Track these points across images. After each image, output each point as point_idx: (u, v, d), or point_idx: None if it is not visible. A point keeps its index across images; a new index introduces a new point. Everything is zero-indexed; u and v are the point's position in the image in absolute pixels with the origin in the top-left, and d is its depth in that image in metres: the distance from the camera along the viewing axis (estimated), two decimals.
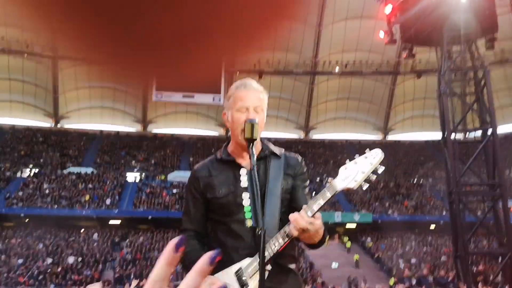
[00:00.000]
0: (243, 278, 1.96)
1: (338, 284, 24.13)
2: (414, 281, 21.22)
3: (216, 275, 2.01)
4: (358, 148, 41.62)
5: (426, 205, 35.89)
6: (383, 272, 30.08)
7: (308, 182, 2.22)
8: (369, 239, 34.27)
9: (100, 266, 27.71)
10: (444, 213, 33.16)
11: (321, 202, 1.89)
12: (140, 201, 33.14)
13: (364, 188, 1.89)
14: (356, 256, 31.14)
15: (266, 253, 1.92)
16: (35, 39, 36.51)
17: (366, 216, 33.59)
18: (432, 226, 34.44)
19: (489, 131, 20.72)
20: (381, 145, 42.47)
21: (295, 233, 1.90)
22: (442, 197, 35.14)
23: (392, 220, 33.79)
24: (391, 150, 39.78)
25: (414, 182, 39.14)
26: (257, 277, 1.90)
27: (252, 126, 2.00)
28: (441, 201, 35.63)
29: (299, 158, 2.23)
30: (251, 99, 2.09)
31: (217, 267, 2.01)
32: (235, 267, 1.99)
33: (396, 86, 43.16)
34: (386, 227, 33.21)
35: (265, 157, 2.13)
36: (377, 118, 45.41)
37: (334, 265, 29.82)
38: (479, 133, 21.96)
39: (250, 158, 2.00)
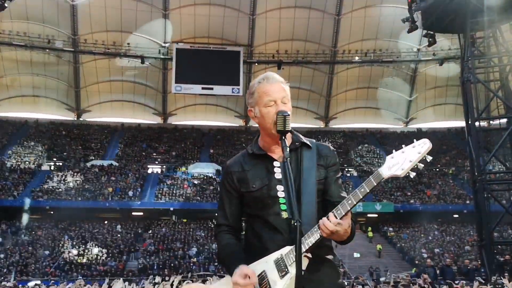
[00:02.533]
0: (283, 265, 1.98)
1: (361, 273, 24.04)
2: (437, 271, 20.96)
3: (254, 263, 2.03)
4: (378, 137, 42.90)
5: (449, 194, 35.54)
6: (405, 261, 29.94)
7: (340, 173, 2.21)
8: (391, 229, 34.12)
9: (124, 257, 28.18)
10: (467, 202, 32.87)
11: (365, 189, 1.90)
12: (162, 193, 33.40)
13: (412, 176, 1.89)
14: (378, 246, 31.07)
15: (305, 244, 1.95)
16: (56, 34, 37.12)
17: (387, 206, 33.45)
18: (456, 216, 34.10)
19: None
20: (403, 134, 42.80)
21: (324, 234, 1.92)
22: (465, 185, 35.06)
23: (414, 210, 33.60)
24: (413, 138, 39.03)
25: (437, 170, 38.64)
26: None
27: (285, 118, 2.02)
28: (463, 190, 35.30)
29: (331, 148, 2.23)
30: (276, 91, 2.09)
31: (255, 257, 1.97)
32: (274, 255, 2.01)
33: (417, 73, 42.55)
34: (408, 217, 33.15)
35: (296, 148, 2.14)
36: (398, 107, 44.91)
37: (356, 255, 29.75)
38: (504, 120, 21.55)
39: (282, 150, 2.03)
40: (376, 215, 33.87)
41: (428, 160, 1.87)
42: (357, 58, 39.68)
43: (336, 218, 1.91)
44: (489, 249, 19.25)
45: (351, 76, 42.41)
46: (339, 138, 42.96)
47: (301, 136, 2.19)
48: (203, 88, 36.76)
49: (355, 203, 1.89)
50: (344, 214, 1.90)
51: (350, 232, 1.97)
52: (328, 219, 1.90)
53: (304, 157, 2.12)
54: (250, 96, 2.15)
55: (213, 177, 35.24)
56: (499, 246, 22.22)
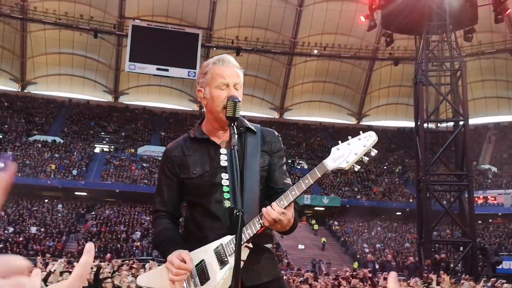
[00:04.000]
0: (224, 255, 1.96)
1: (304, 265, 24.50)
2: (377, 266, 21.66)
3: (193, 252, 2.00)
4: (331, 132, 43.75)
5: (394, 192, 36.60)
6: (348, 255, 30.71)
7: (285, 159, 2.20)
8: (336, 223, 34.83)
9: (64, 237, 27.45)
10: (411, 200, 33.92)
11: (308, 181, 1.86)
12: (108, 174, 32.88)
13: (356, 169, 1.88)
14: (323, 239, 31.69)
15: (246, 234, 1.91)
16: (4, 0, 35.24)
17: (335, 200, 34.13)
18: (399, 213, 35.23)
19: (461, 123, 21.09)
20: (354, 130, 41.62)
21: (267, 224, 1.88)
22: (409, 184, 36.22)
23: (360, 205, 34.43)
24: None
25: (384, 168, 39.79)
26: None
27: (235, 104, 2.00)
28: (408, 189, 36.44)
29: (275, 133, 2.21)
30: (231, 75, 2.07)
31: (193, 245, 1.93)
32: (214, 244, 1.98)
33: (373, 72, 43.46)
34: (354, 212, 33.82)
35: (240, 133, 2.11)
36: (352, 103, 45.79)
37: (301, 246, 30.30)
38: (451, 124, 22.36)
39: (230, 137, 2.01)
40: (323, 209, 34.46)
41: (373, 154, 1.85)
42: (315, 51, 40.03)
43: (279, 208, 1.87)
44: (427, 247, 20.02)
45: (308, 68, 42.75)
46: (293, 130, 43.41)
47: (245, 120, 2.17)
48: (158, 69, 36.10)
49: (298, 194, 1.86)
50: (287, 205, 1.87)
51: (293, 223, 1.93)
52: (272, 208, 1.87)
53: (248, 142, 2.10)
54: (202, 75, 2.11)
55: None
56: (436, 245, 23.14)
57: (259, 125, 2.20)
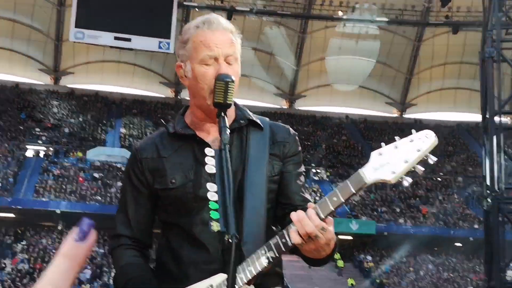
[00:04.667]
0: None
1: None
2: None
3: None
4: (363, 128, 43.70)
5: (452, 214, 36.61)
6: None
7: (303, 167, 2.23)
8: (369, 257, 34.80)
9: None
10: (476, 226, 33.95)
11: (338, 199, 1.85)
12: (45, 187, 33.00)
13: (406, 183, 1.84)
14: (350, 281, 31.53)
15: (247, 271, 1.92)
16: None
17: (367, 225, 34.21)
18: (459, 244, 35.20)
19: None
20: (396, 125, 43.33)
21: (297, 240, 1.86)
22: (474, 203, 35.85)
23: (404, 233, 34.36)
24: (409, 133, 39.83)
25: (438, 180, 39.76)
26: None
27: (226, 85, 2.01)
28: (471, 209, 36.39)
29: (291, 130, 2.24)
30: (220, 44, 2.07)
31: (170, 287, 1.97)
32: (200, 286, 1.98)
33: (422, 43, 43.48)
34: (394, 242, 33.67)
35: (240, 128, 2.16)
36: (393, 87, 45.87)
37: None
38: None
39: (220, 131, 2.00)
40: (350, 238, 34.51)
41: (432, 162, 1.83)
42: (340, 13, 40.09)
43: (319, 218, 1.85)
44: None
45: (328, 39, 42.57)
46: (307, 125, 43.37)
47: (248, 111, 2.21)
48: (116, 39, 36.16)
49: (322, 216, 1.84)
50: (323, 218, 1.87)
51: (332, 249, 1.94)
52: (309, 216, 1.85)
53: (252, 141, 2.13)
54: (182, 45, 2.13)
55: (123, 168, 34.32)
56: None
57: (267, 119, 2.24)
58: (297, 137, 2.24)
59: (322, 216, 1.83)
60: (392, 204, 37.16)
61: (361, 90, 45.69)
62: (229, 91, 2.00)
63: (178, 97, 43.80)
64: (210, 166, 2.08)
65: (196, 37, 2.08)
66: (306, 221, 1.82)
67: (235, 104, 2.17)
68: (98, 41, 36.63)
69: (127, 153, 35.85)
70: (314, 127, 43.87)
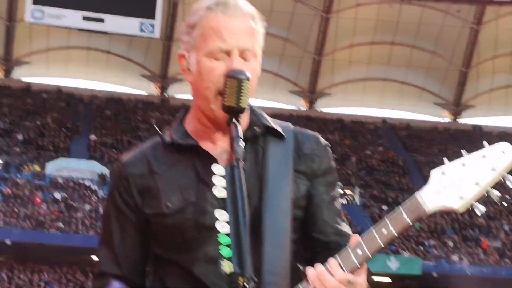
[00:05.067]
0: None
1: None
2: None
3: None
4: (405, 136, 44.66)
5: None
6: None
7: (338, 189, 2.32)
8: None
9: None
10: None
11: (389, 231, 1.97)
12: None
13: (480, 213, 1.95)
14: None
15: None
16: None
17: (411, 263, 34.44)
18: None
19: None
20: (448, 133, 44.76)
21: None
22: None
23: (459, 274, 34.51)
24: (465, 143, 39.69)
25: (504, 206, 39.23)
26: None
27: (240, 84, 2.07)
28: None
29: (321, 140, 2.33)
30: (236, 34, 2.14)
31: None
32: None
33: (482, 26, 43.64)
34: (446, 286, 33.65)
35: (255, 138, 2.22)
36: (444, 84, 46.25)
37: None
38: None
39: (231, 144, 2.08)
40: (388, 280, 35.12)
41: (511, 185, 1.92)
42: None
43: (343, 269, 1.97)
44: None
45: (362, 19, 43.48)
46: (332, 132, 44.06)
47: (265, 116, 2.29)
48: (85, 19, 36.54)
49: (370, 255, 1.97)
50: (357, 267, 1.98)
51: None
52: (329, 269, 1.96)
53: (270, 154, 2.21)
54: (187, 30, 2.21)
55: (92, 186, 35.80)
56: None
57: (290, 124, 2.32)
58: (329, 148, 2.31)
59: (357, 264, 1.97)
60: (443, 236, 37.41)
61: (402, 86, 46.51)
62: (242, 91, 2.07)
63: (165, 94, 44.58)
64: (220, 188, 2.14)
65: (206, 21, 2.15)
66: (326, 277, 1.95)
67: (249, 107, 2.22)
68: (62, 22, 36.99)
69: (97, 167, 37.65)
70: (341, 134, 44.39)
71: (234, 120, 2.07)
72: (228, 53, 2.11)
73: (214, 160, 2.15)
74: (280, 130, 2.23)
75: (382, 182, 40.18)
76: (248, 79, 2.07)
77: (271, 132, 2.21)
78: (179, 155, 2.20)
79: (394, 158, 42.29)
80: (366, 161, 42.31)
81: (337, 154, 41.53)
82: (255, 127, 2.19)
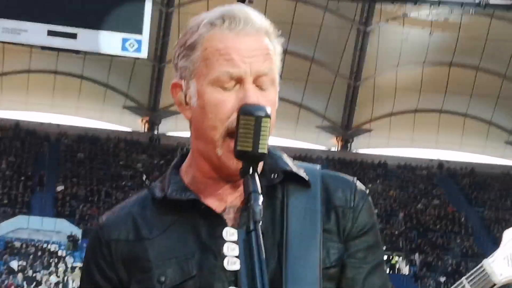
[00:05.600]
0: None
1: None
2: None
3: None
4: (467, 185, 44.78)
5: None
6: None
7: (382, 252, 2.28)
8: None
9: None
10: None
11: None
12: None
13: None
14: None
15: None
16: None
17: None
18: None
19: None
20: None
21: None
22: None
23: None
24: None
25: None
26: None
27: (258, 123, 2.01)
28: None
29: (359, 186, 2.25)
30: (250, 56, 2.10)
31: None
32: None
33: None
34: None
35: (273, 187, 2.17)
36: (509, 114, 46.35)
37: None
38: None
39: (246, 199, 2.01)
40: None
41: None
42: None
43: None
44: None
45: (411, 33, 43.68)
46: (373, 180, 44.77)
47: (284, 157, 2.23)
48: (51, 34, 37.25)
49: None
50: None
51: None
52: None
53: (292, 209, 2.15)
54: (184, 52, 2.17)
55: (60, 252, 36.06)
56: None
57: (317, 167, 2.28)
58: (370, 199, 2.25)
59: None
60: None
61: (464, 120, 46.79)
62: (262, 133, 2.00)
63: (155, 131, 44.77)
64: (231, 257, 2.09)
65: (209, 41, 2.12)
66: None
67: (269, 151, 2.15)
68: (21, 38, 37.42)
69: (66, 227, 37.59)
70: (385, 182, 44.90)
71: (250, 171, 2.03)
72: (239, 80, 2.10)
73: (221, 221, 2.14)
74: (304, 175, 2.19)
75: (439, 245, 40.22)
76: (268, 116, 2.03)
77: (292, 179, 2.18)
78: (174, 215, 2.18)
79: (455, 214, 42.42)
80: (417, 218, 42.41)
81: (379, 209, 41.74)
82: (272, 174, 2.17)
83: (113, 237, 2.18)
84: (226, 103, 2.06)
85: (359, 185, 2.22)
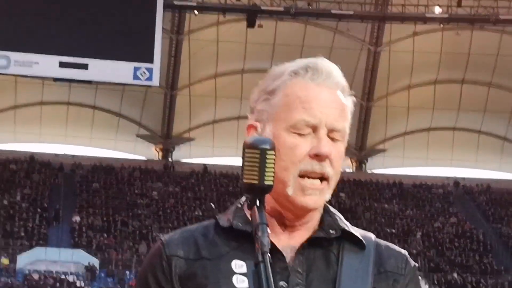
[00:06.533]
0: None
1: None
2: None
3: None
4: (485, 202, 43.84)
5: None
6: None
7: None
8: None
9: None
10: None
11: None
12: None
13: None
14: None
15: None
16: None
17: None
18: None
19: None
20: None
21: None
22: None
23: None
24: None
25: None
26: None
27: (263, 156, 2.07)
28: None
29: (409, 259, 2.34)
30: (327, 108, 2.19)
31: None
32: None
33: None
34: None
35: (329, 242, 2.26)
36: None
37: None
38: None
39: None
40: None
41: None
42: (438, 10, 41.32)
43: None
44: None
45: (421, 52, 43.94)
46: (389, 201, 44.26)
47: (343, 218, 2.33)
48: (63, 66, 37.14)
49: None
50: None
51: None
52: None
53: (346, 264, 2.23)
54: (264, 96, 2.27)
55: (78, 282, 35.82)
56: None
57: (372, 235, 2.35)
58: (418, 272, 2.32)
59: None
60: None
61: (479, 137, 46.40)
62: (267, 165, 2.05)
63: (169, 159, 44.40)
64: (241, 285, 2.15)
65: (291, 88, 2.19)
66: None
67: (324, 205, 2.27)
68: (33, 70, 37.27)
69: (84, 257, 37.03)
70: (401, 202, 44.38)
71: (257, 202, 2.10)
72: (314, 128, 2.16)
73: (281, 256, 2.20)
74: (360, 237, 2.27)
75: (458, 263, 39.92)
76: (272, 148, 2.09)
77: (349, 238, 2.26)
78: (237, 242, 2.24)
79: (472, 231, 42.07)
80: (435, 237, 42.07)
81: (397, 229, 41.55)
82: (330, 230, 2.24)
83: (174, 254, 2.24)
84: (300, 147, 2.15)
85: (410, 259, 2.34)
